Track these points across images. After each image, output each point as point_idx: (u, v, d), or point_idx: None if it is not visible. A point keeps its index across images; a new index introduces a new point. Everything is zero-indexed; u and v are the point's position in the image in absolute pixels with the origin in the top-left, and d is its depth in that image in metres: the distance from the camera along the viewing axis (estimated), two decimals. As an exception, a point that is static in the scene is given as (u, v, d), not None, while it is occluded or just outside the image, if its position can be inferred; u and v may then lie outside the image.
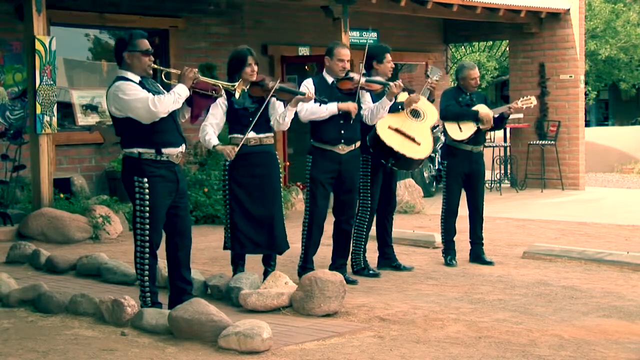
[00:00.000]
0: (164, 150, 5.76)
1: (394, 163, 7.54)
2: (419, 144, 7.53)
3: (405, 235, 9.15)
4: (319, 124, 7.10)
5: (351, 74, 7.16)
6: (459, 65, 8.31)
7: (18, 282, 6.62)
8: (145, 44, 5.79)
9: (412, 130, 7.52)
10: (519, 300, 6.63)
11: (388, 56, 7.62)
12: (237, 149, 6.54)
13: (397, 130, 7.48)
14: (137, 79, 5.76)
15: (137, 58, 5.76)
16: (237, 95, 6.14)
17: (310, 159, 7.17)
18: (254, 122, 6.59)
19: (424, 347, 5.24)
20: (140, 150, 5.74)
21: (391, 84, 7.12)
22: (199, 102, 5.97)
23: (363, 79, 7.13)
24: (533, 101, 8.38)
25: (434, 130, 12.78)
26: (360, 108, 7.21)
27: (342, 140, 7.09)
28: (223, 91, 6.16)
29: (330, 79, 7.17)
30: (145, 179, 5.73)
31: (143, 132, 5.70)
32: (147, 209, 5.74)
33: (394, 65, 7.72)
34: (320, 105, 6.93)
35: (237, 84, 6.09)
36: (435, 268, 7.96)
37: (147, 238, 5.78)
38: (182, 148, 5.91)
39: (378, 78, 7.38)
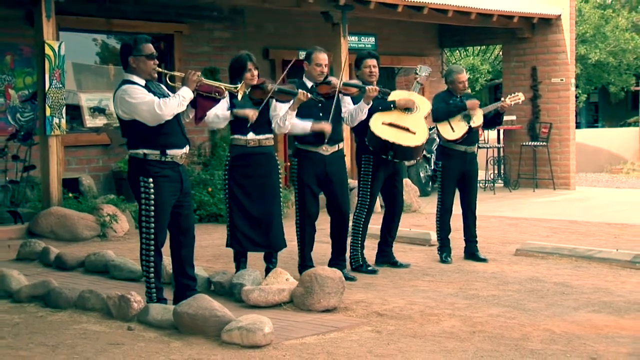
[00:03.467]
0: (168, 152, 5.76)
1: (393, 155, 7.51)
2: (413, 132, 7.50)
3: (402, 233, 9.11)
4: None
5: (329, 78, 7.13)
6: (447, 70, 8.31)
7: (28, 279, 6.62)
8: (149, 48, 5.79)
9: (405, 122, 7.50)
10: (512, 296, 6.63)
11: (367, 61, 7.55)
12: (257, 112, 6.51)
13: (390, 124, 7.47)
14: (142, 82, 5.76)
15: (142, 62, 5.76)
16: (239, 96, 6.13)
17: (295, 162, 7.16)
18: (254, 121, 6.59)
19: (420, 341, 5.24)
20: (146, 151, 5.74)
21: (367, 87, 7.08)
22: (202, 103, 5.97)
23: (341, 83, 7.10)
24: (521, 97, 8.38)
25: (430, 132, 12.79)
26: (340, 111, 7.20)
27: (326, 141, 7.06)
28: (226, 93, 6.16)
29: (309, 84, 7.11)
30: (151, 179, 5.73)
31: (148, 134, 5.70)
32: (152, 207, 5.75)
33: (374, 71, 7.54)
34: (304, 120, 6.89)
35: (239, 85, 6.09)
36: (431, 265, 7.96)
37: (152, 236, 5.78)
38: (186, 149, 5.91)
39: (355, 81, 7.36)
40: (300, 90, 6.68)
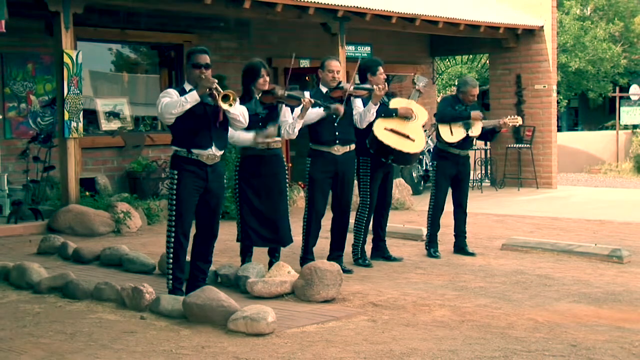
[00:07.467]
0: (193, 151, 5.87)
1: (393, 159, 7.53)
2: (413, 140, 7.52)
3: (395, 229, 9.13)
4: (315, 128, 7.08)
5: (342, 84, 7.15)
6: (463, 80, 8.24)
7: (48, 271, 6.61)
8: (198, 58, 5.89)
9: (406, 129, 7.51)
10: (498, 287, 6.63)
11: (380, 69, 7.59)
12: (277, 126, 6.63)
13: (392, 131, 7.48)
14: (189, 87, 5.87)
15: (191, 71, 5.91)
16: (226, 106, 5.83)
17: (309, 161, 7.16)
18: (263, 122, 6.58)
19: (412, 329, 5.24)
20: (177, 148, 5.92)
21: (375, 87, 7.12)
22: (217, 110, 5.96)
23: (351, 87, 7.12)
24: (519, 121, 8.42)
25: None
26: (352, 112, 7.20)
27: (337, 142, 7.07)
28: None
29: (324, 89, 7.16)
30: (176, 172, 5.87)
31: (180, 134, 5.89)
32: (175, 197, 5.84)
33: (385, 77, 7.69)
34: (318, 107, 6.88)
35: (230, 97, 5.89)
36: (423, 259, 7.95)
37: (174, 224, 5.85)
38: (212, 150, 5.91)
39: (364, 85, 7.37)
40: (305, 98, 6.67)
